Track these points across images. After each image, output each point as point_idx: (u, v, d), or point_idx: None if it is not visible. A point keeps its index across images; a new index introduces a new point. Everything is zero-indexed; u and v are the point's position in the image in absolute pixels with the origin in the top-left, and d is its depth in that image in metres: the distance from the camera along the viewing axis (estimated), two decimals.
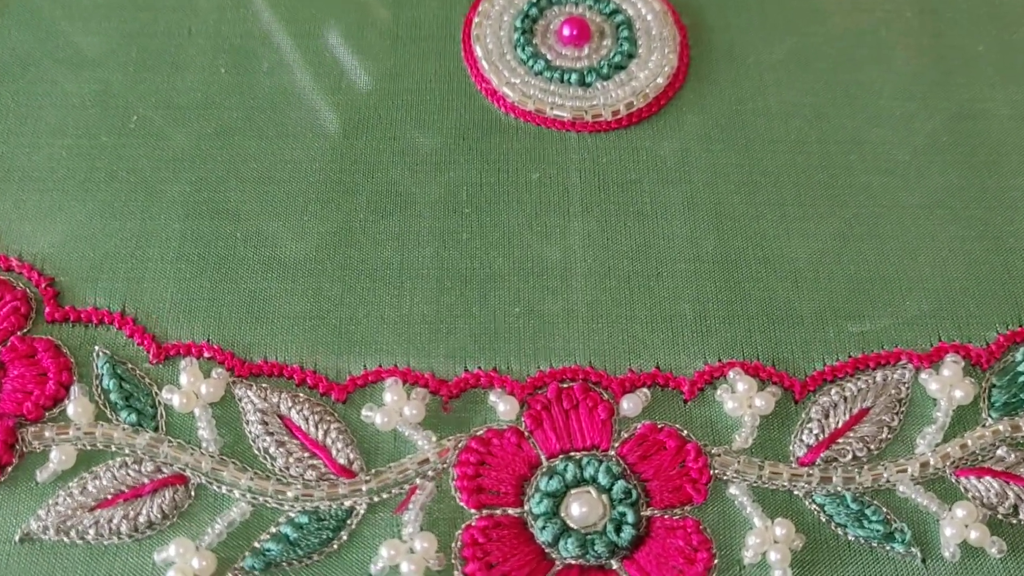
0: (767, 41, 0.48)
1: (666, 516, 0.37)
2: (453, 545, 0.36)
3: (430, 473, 0.37)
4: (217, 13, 0.48)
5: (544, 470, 0.37)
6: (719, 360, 0.40)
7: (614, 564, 0.36)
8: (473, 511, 0.37)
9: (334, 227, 0.43)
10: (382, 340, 0.40)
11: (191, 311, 0.41)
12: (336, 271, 0.42)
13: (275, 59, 0.47)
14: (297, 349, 0.40)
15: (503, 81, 0.46)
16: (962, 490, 0.38)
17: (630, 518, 0.36)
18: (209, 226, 0.42)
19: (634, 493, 0.37)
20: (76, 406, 0.38)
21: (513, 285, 0.42)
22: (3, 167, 0.43)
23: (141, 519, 0.36)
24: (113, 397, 0.38)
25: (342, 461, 0.37)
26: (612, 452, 0.38)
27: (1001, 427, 0.39)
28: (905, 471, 0.38)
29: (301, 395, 0.39)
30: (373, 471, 0.38)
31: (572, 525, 0.36)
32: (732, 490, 0.38)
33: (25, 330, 0.40)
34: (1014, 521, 0.38)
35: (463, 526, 0.36)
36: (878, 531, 0.37)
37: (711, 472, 0.37)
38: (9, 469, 0.37)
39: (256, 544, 0.36)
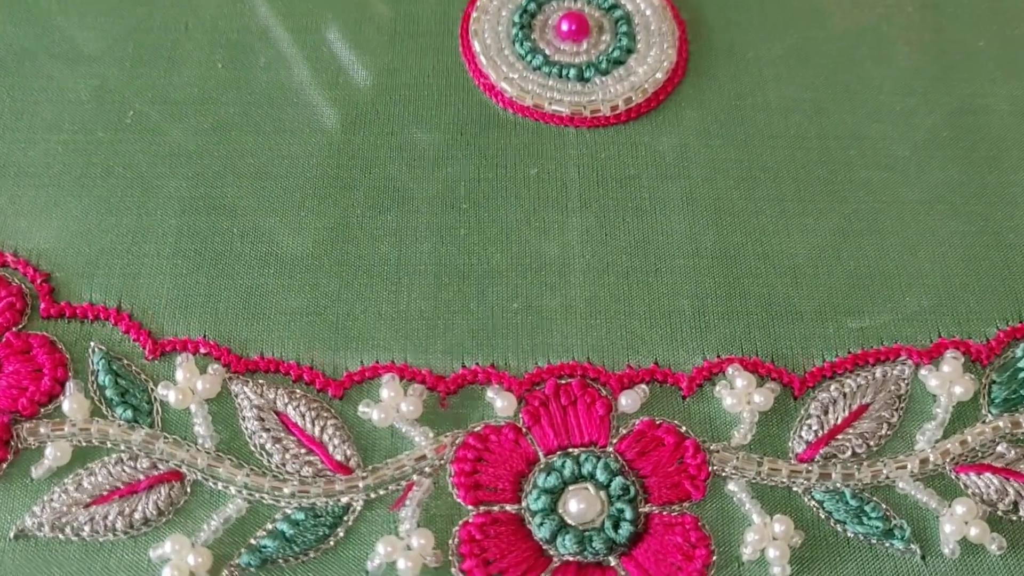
0: (767, 36, 0.48)
1: (664, 513, 0.36)
2: (450, 542, 0.36)
3: (427, 469, 0.37)
4: (214, 8, 0.48)
5: (542, 466, 0.37)
6: (718, 356, 0.40)
7: (612, 561, 0.36)
8: (470, 508, 0.36)
9: (331, 223, 0.42)
10: (379, 336, 0.40)
11: (187, 307, 0.40)
12: (333, 267, 0.41)
13: (272, 54, 0.47)
14: (294, 345, 0.40)
15: (501, 76, 0.45)
16: (962, 487, 0.38)
17: (628, 515, 0.36)
18: (206, 222, 0.42)
19: (632, 489, 0.36)
20: (71, 402, 0.38)
21: (511, 281, 0.41)
22: None
23: (137, 516, 0.36)
24: (109, 393, 0.38)
25: (339, 457, 0.37)
26: (610, 448, 0.37)
27: (1001, 423, 0.39)
28: (904, 467, 0.38)
29: (298, 391, 0.38)
30: (370, 467, 0.37)
31: (570, 522, 0.36)
32: (731, 486, 0.37)
33: (20, 326, 0.39)
34: (1014, 518, 0.37)
35: (460, 523, 0.36)
36: (877, 528, 0.37)
37: (710, 468, 0.37)
38: (4, 465, 0.37)
39: (252, 541, 0.36)
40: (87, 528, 0.36)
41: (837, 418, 0.38)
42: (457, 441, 0.37)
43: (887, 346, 0.40)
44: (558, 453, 0.37)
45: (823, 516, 0.37)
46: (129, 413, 0.38)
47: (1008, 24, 0.48)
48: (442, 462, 0.37)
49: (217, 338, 0.40)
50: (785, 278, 0.42)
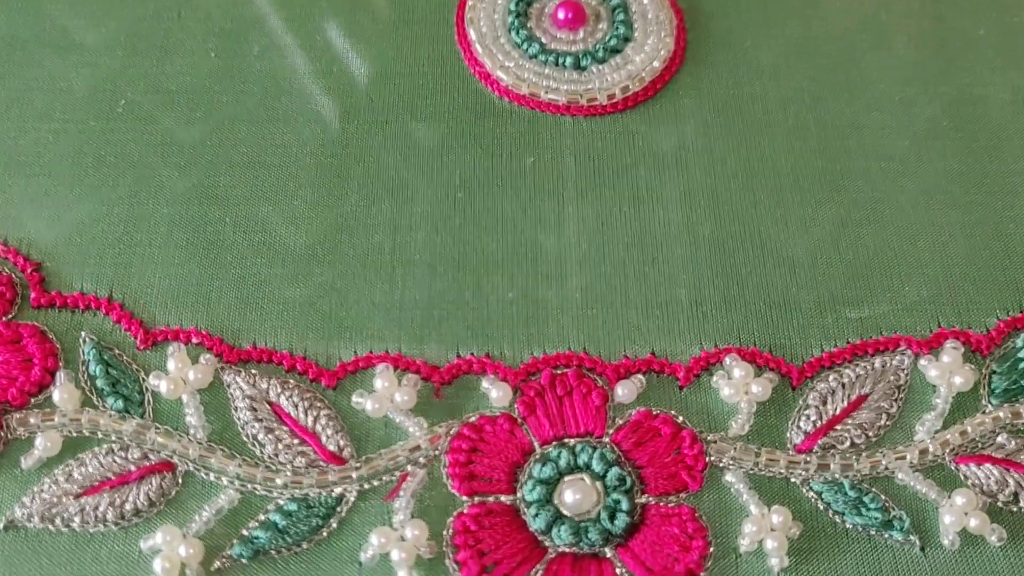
0: (765, 25, 0.47)
1: (661, 503, 0.36)
2: (444, 533, 0.36)
3: (421, 460, 0.37)
4: None
5: (537, 457, 0.37)
6: (715, 346, 0.40)
7: (608, 552, 0.35)
8: (465, 498, 0.36)
9: (325, 212, 0.42)
10: (373, 326, 0.40)
11: (179, 297, 0.40)
12: (327, 256, 0.41)
13: (266, 43, 0.46)
14: (287, 335, 0.39)
15: (497, 65, 0.45)
16: (961, 477, 0.37)
17: (624, 505, 0.35)
18: (198, 211, 0.42)
19: (628, 480, 0.36)
20: (62, 392, 0.37)
21: (506, 271, 0.41)
22: None
23: (127, 506, 0.36)
24: (100, 383, 0.38)
25: (332, 448, 0.37)
26: (606, 439, 0.37)
27: (1001, 414, 0.38)
28: (904, 458, 0.37)
29: (291, 381, 0.38)
30: (364, 458, 0.37)
31: (565, 512, 0.36)
32: (728, 477, 0.37)
33: (10, 316, 0.39)
34: (1014, 509, 0.37)
35: (455, 513, 0.36)
36: (876, 519, 0.36)
37: (707, 459, 0.37)
38: None
39: (244, 532, 0.36)
40: (77, 519, 0.36)
41: (836, 408, 0.38)
42: (452, 431, 0.37)
43: (886, 336, 0.40)
44: (554, 443, 0.37)
45: (821, 507, 0.37)
46: (120, 403, 0.37)
47: (1008, 12, 0.48)
48: (436, 453, 0.37)
49: (209, 328, 0.39)
50: (783, 268, 0.41)
